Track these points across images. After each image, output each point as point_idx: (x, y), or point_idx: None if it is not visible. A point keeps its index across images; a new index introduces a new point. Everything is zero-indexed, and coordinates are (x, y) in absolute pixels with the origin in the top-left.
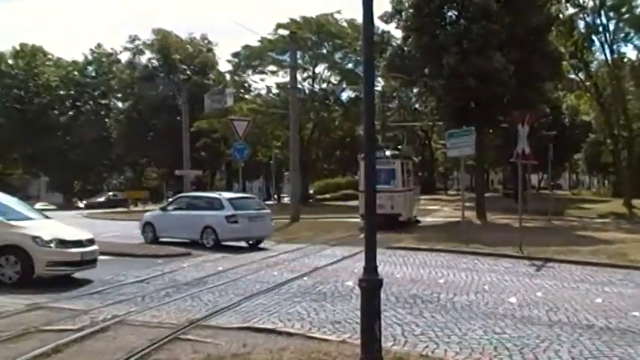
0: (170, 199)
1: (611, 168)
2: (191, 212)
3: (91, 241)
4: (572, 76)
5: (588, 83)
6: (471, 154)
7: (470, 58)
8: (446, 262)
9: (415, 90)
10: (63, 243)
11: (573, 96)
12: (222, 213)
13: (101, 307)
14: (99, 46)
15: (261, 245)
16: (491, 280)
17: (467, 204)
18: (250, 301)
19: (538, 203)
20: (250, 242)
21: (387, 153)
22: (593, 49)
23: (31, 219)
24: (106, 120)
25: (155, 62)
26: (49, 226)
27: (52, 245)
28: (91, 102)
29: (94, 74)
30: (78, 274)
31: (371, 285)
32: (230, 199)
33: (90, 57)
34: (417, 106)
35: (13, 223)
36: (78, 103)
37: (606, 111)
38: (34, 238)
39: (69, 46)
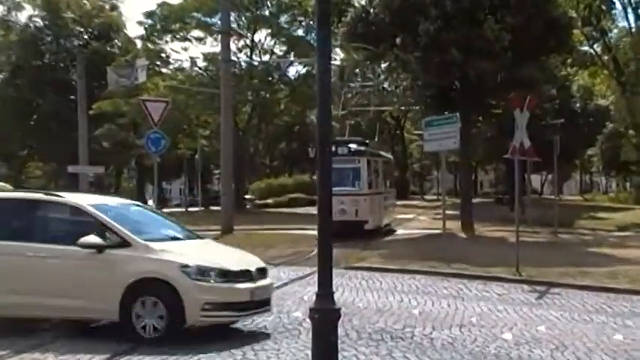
0: None
1: (634, 167)
2: None
3: (262, 272)
4: (586, 48)
5: (606, 57)
6: (454, 148)
7: (453, 24)
8: (422, 286)
9: (384, 65)
10: (225, 275)
11: (586, 73)
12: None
13: None
14: None
15: None
16: (480, 311)
17: (449, 212)
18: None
19: (540, 211)
20: None
21: (352, 148)
22: (612, 13)
23: (175, 238)
24: None
25: (39, 22)
26: (201, 248)
27: (211, 278)
28: None
29: None
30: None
31: (325, 316)
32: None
33: None
34: (385, 85)
35: (151, 244)
36: None
37: (629, 93)
38: (183, 267)
39: None
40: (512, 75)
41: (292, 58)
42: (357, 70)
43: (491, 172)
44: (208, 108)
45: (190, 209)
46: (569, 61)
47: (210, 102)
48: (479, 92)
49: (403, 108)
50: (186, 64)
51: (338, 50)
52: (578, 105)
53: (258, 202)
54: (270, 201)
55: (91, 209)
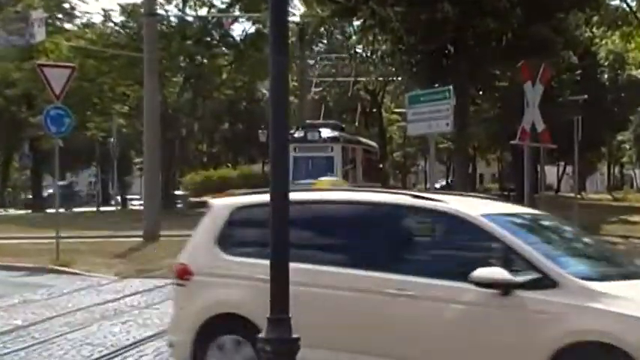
0: None
1: None
2: None
3: None
4: (616, 2)
5: None
6: (446, 131)
7: None
8: None
9: (356, 23)
10: None
11: (617, 36)
12: None
13: None
14: None
15: (94, 281)
16: None
17: None
18: None
19: (558, 212)
20: None
21: (324, 133)
22: None
23: (623, 276)
24: None
25: None
26: None
27: None
28: None
29: None
30: None
31: (279, 348)
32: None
33: None
34: (358, 49)
35: (592, 285)
36: None
37: None
38: None
39: None
40: (521, 37)
41: (237, 13)
42: (323, 29)
43: (494, 163)
44: (127, 77)
45: (103, 209)
46: (595, 19)
47: (130, 69)
48: (479, 59)
49: (381, 79)
50: (98, 19)
51: (297, 3)
52: (606, 76)
53: (192, 200)
54: (207, 199)
55: (489, 223)
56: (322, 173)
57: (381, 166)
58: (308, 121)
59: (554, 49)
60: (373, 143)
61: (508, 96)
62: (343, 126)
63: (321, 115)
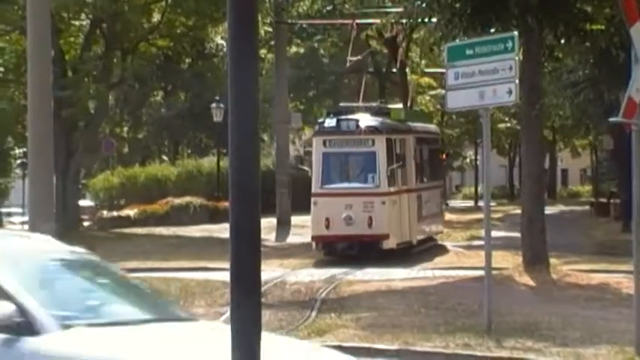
0: None
1: None
2: None
3: None
4: None
5: None
6: (509, 102)
7: None
8: None
9: None
10: None
11: None
12: None
13: None
14: None
15: None
16: None
17: (499, 233)
18: None
19: None
20: None
21: (362, 121)
22: None
23: (128, 322)
24: None
25: None
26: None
27: None
28: None
29: None
30: None
31: None
32: None
33: None
34: None
35: (77, 330)
36: None
37: None
38: None
39: None
40: None
41: None
42: None
43: (585, 154)
44: (1, 20)
45: None
46: None
47: (3, 6)
48: None
49: (405, 21)
50: None
51: None
52: None
53: (106, 213)
54: (131, 212)
55: None
56: (361, 175)
57: (444, 155)
58: (342, 104)
59: None
60: (431, 125)
61: (604, 48)
62: (389, 107)
63: (361, 92)
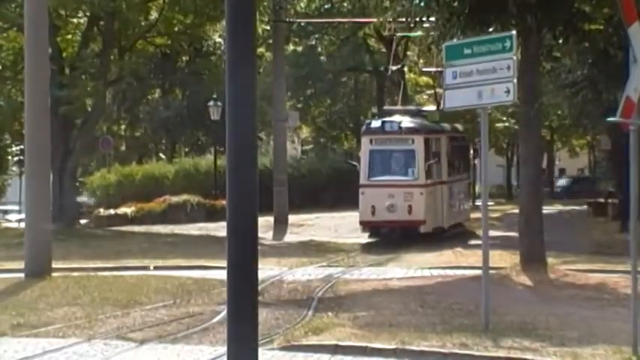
0: None
1: None
2: None
3: None
4: None
5: None
6: (507, 101)
7: None
8: None
9: None
10: None
11: None
12: None
13: None
14: None
15: None
16: None
17: (497, 232)
18: None
19: None
20: None
21: (403, 122)
22: None
23: None
24: None
25: None
26: None
27: None
28: None
29: None
30: None
31: None
32: None
33: None
34: None
35: None
36: None
37: None
38: None
39: None
40: None
41: None
42: None
43: (583, 153)
44: None
45: None
46: None
47: (1, 4)
48: None
49: (403, 20)
50: None
51: None
52: None
53: (103, 211)
54: (128, 210)
55: None
56: (402, 169)
57: (472, 151)
58: (385, 107)
59: None
60: (458, 126)
61: (602, 48)
62: (425, 110)
63: (399, 96)
